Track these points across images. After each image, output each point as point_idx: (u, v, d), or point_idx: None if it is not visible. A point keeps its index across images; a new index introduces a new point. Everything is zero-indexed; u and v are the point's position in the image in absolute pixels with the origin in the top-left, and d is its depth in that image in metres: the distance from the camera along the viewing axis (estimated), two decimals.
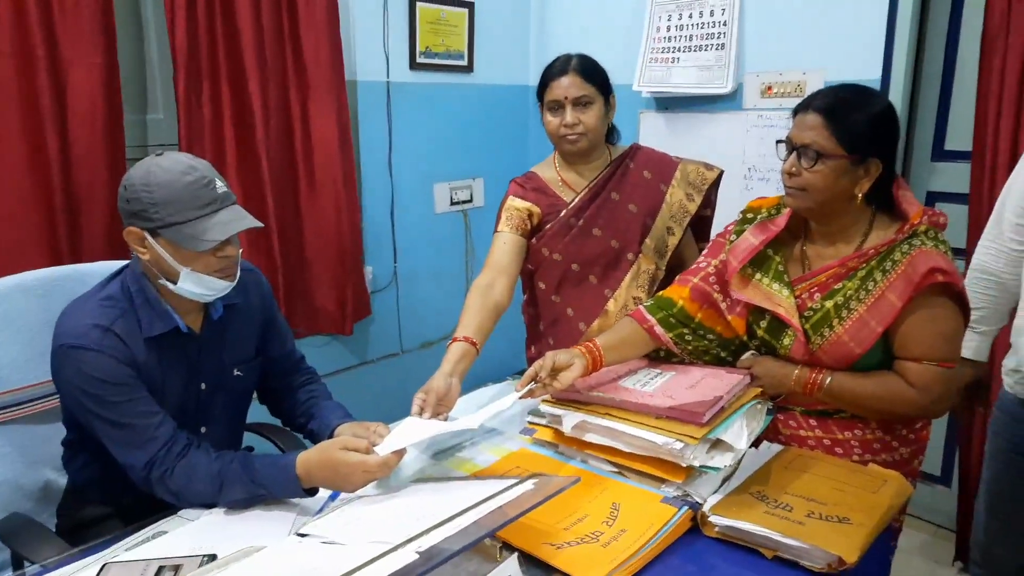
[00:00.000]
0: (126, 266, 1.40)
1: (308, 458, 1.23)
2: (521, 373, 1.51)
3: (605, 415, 1.35)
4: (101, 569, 1.09)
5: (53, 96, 1.96)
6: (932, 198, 2.52)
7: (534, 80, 3.26)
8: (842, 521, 1.16)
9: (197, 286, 1.30)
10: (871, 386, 1.36)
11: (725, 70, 2.69)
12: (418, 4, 2.83)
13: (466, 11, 3.02)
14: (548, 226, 1.79)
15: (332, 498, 1.28)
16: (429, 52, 2.93)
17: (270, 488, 1.24)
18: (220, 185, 1.29)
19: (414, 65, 2.90)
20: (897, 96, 2.39)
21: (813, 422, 1.44)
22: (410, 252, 3.04)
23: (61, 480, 1.56)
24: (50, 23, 1.94)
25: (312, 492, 1.26)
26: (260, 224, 1.33)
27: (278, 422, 1.69)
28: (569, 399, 1.43)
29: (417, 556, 0.88)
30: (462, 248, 3.28)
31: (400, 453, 1.25)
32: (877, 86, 2.40)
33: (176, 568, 1.07)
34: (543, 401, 1.46)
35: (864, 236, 1.39)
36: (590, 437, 1.36)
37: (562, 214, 1.78)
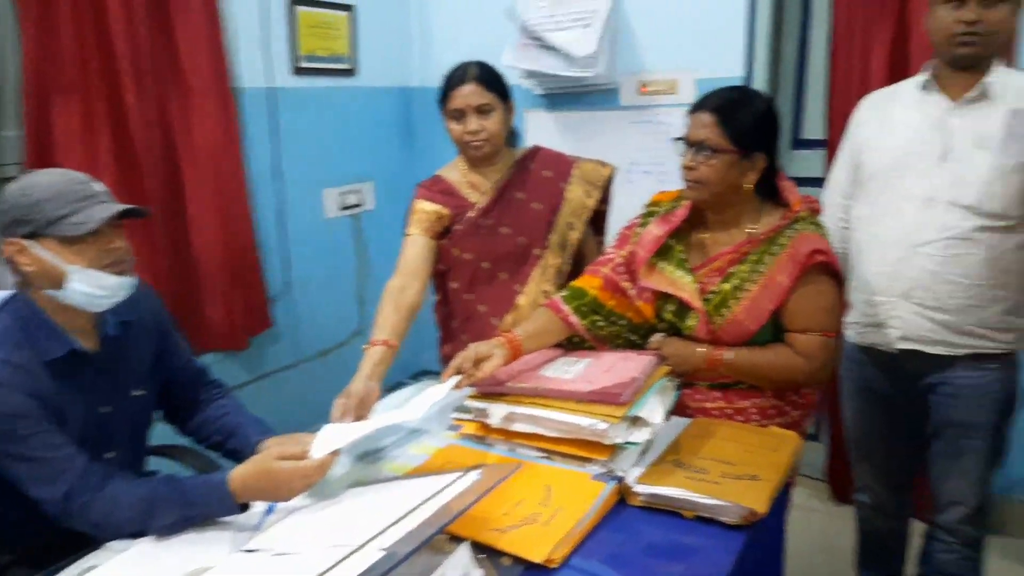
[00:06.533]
0: (11, 297, 1.33)
1: (243, 471, 1.22)
2: (424, 373, 1.55)
3: (531, 404, 1.42)
4: None
5: None
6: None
7: (418, 82, 3.34)
8: (752, 478, 1.28)
9: (89, 285, 1.26)
10: (766, 358, 1.51)
11: (607, 69, 2.76)
12: (298, 8, 2.79)
13: (347, 14, 3.00)
14: (457, 227, 1.84)
15: (268, 512, 1.27)
16: (312, 56, 2.89)
17: (203, 507, 1.22)
18: (99, 186, 1.30)
19: (297, 70, 2.85)
20: None
21: (717, 394, 1.57)
22: (302, 260, 2.98)
23: None
24: None
25: (245, 507, 1.25)
26: (146, 209, 1.35)
27: (184, 442, 1.65)
28: (494, 392, 1.49)
29: (383, 553, 0.91)
30: (354, 253, 3.25)
31: (335, 453, 1.26)
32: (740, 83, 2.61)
33: None
34: (469, 397, 1.51)
35: (754, 223, 1.54)
36: (518, 426, 1.43)
37: (471, 215, 1.84)
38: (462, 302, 1.90)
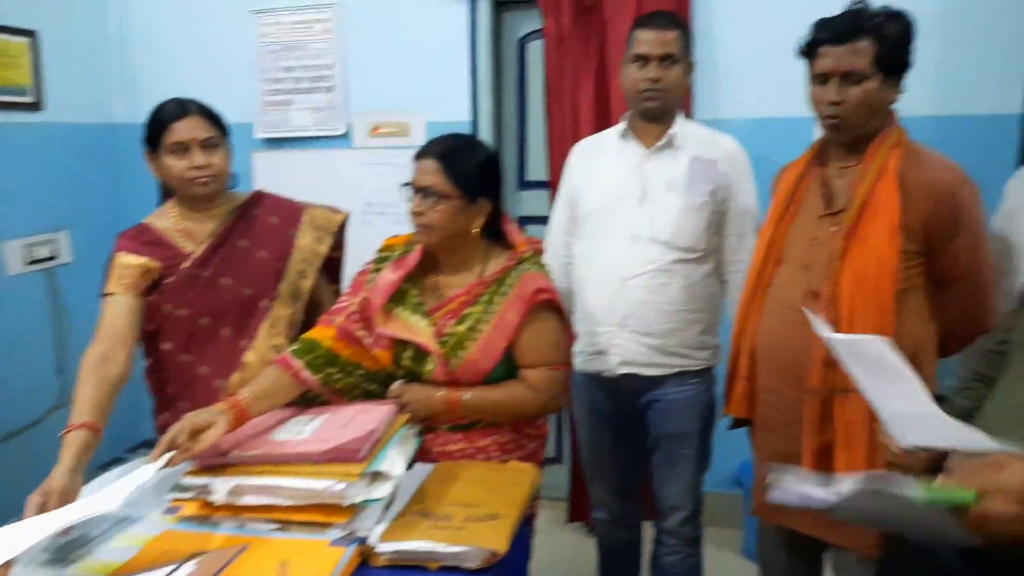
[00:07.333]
0: None
1: None
2: (144, 444, 1.37)
3: (260, 473, 1.30)
4: None
5: None
6: (520, 222, 2.94)
7: (121, 118, 2.99)
8: (493, 518, 1.28)
9: None
10: (500, 394, 1.55)
11: (338, 112, 2.80)
12: None
13: (27, 41, 2.61)
14: (168, 280, 1.65)
15: None
16: None
17: None
18: None
19: None
20: (485, 137, 2.75)
21: (458, 436, 1.57)
22: None
23: None
24: None
25: None
26: None
27: None
28: (217, 464, 1.34)
29: None
30: (49, 314, 2.80)
31: (8, 565, 1.03)
32: (468, 128, 2.72)
33: None
34: (187, 473, 1.34)
35: (483, 265, 1.59)
36: (247, 499, 1.29)
37: (185, 266, 1.66)
38: (178, 365, 1.70)
